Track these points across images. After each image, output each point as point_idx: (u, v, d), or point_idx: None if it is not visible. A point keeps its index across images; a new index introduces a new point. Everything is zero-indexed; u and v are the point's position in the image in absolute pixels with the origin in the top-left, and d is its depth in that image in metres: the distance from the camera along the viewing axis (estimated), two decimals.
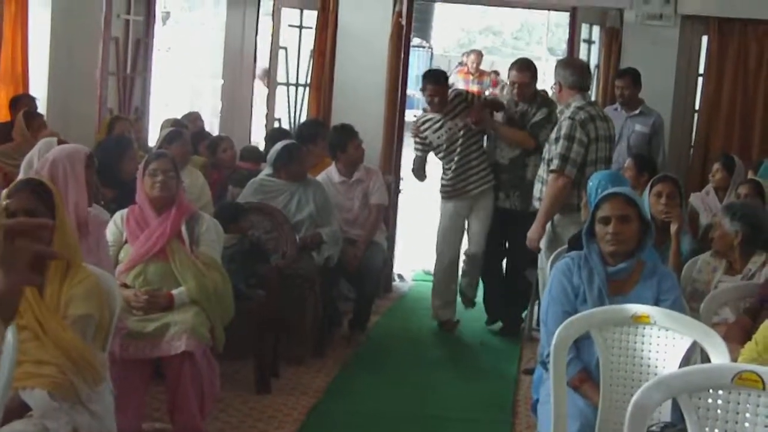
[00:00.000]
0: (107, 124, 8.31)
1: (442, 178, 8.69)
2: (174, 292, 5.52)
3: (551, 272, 4.89)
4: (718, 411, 3.13)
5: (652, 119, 9.40)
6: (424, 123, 8.73)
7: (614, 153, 7.75)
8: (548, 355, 4.20)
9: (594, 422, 4.12)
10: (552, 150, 6.91)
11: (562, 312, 4.48)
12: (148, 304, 5.48)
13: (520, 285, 8.38)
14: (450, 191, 8.60)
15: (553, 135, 7.05)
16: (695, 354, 4.26)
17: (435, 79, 8.73)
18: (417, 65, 20.58)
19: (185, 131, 8.02)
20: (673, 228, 6.13)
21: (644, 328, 4.11)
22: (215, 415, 5.74)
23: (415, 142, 8.83)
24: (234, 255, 6.43)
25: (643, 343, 4.12)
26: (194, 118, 9.52)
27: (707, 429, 3.14)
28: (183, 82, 16.19)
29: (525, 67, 8.51)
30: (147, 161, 5.79)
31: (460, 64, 19.04)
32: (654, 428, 3.68)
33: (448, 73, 13.21)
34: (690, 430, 3.16)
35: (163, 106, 13.10)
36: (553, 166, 6.84)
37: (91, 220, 5.18)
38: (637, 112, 9.38)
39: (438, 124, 8.61)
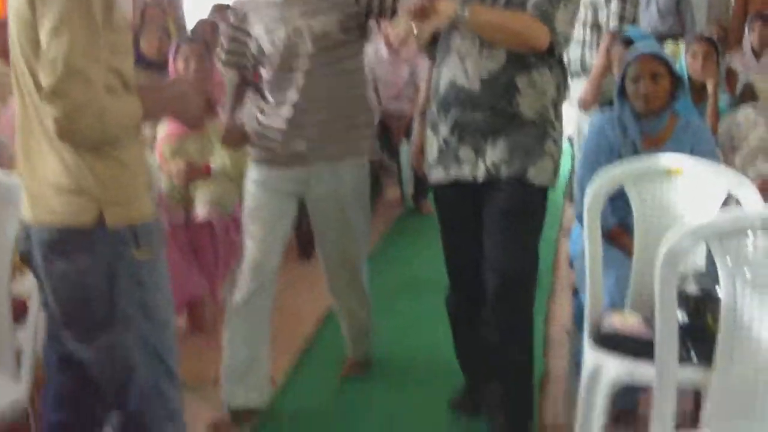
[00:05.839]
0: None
1: (256, 118, 4.70)
2: (211, 164, 5.65)
3: (587, 130, 4.91)
4: (749, 255, 3.14)
5: None
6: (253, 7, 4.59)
7: (644, 17, 7.68)
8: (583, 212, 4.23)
9: (629, 272, 4.17)
10: (602, 12, 6.69)
11: (597, 169, 4.50)
12: (187, 176, 5.62)
13: (517, 328, 4.28)
14: (268, 149, 4.64)
15: None
16: (731, 206, 4.27)
17: None
18: None
19: None
20: (710, 86, 6.14)
21: (678, 180, 4.12)
22: None
23: (229, 39, 4.66)
24: None
25: (677, 195, 4.14)
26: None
27: (739, 274, 3.17)
28: None
29: None
30: (178, 45, 5.86)
31: None
32: (688, 277, 3.71)
33: None
34: (721, 275, 3.18)
35: None
36: (612, 27, 6.56)
37: None
38: None
39: (274, 10, 4.52)
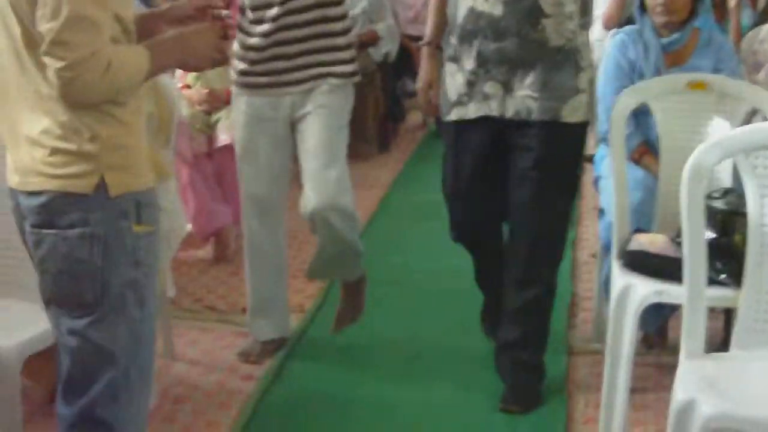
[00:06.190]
0: None
1: (237, 39, 4.40)
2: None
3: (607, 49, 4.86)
4: None
5: None
6: None
7: None
8: (607, 131, 4.21)
9: (655, 192, 4.15)
10: None
11: (619, 87, 4.45)
12: (209, 103, 5.61)
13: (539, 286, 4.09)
14: (249, 76, 4.42)
15: None
16: (756, 121, 4.24)
17: None
18: None
19: None
20: (732, 2, 6.06)
21: (702, 95, 4.09)
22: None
23: None
24: None
25: (701, 111, 4.11)
26: None
27: (765, 188, 3.15)
28: None
29: None
30: None
31: None
32: (715, 194, 3.68)
33: None
34: (748, 190, 3.16)
35: None
36: None
37: None
38: None
39: None
